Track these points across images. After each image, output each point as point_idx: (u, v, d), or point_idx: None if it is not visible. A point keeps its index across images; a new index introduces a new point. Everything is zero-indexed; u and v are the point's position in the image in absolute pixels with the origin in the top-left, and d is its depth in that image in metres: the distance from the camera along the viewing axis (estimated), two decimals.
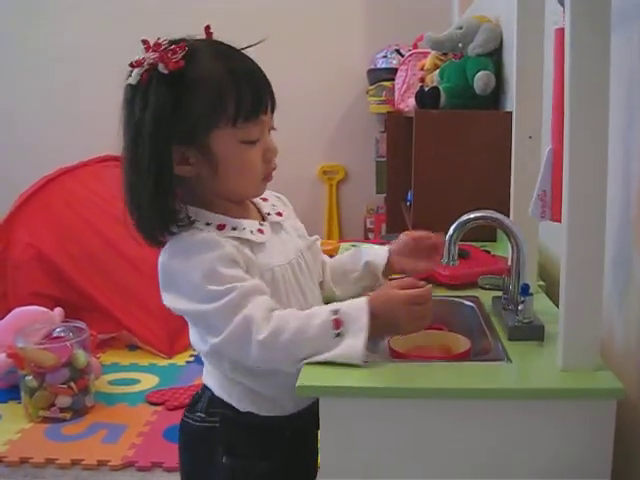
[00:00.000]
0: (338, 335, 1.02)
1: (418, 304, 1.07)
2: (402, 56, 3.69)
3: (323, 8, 4.27)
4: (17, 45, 4.39)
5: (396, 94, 3.42)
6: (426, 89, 2.53)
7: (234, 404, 1.15)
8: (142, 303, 3.30)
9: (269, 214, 1.20)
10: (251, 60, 1.10)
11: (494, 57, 2.48)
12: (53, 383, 2.62)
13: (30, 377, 2.61)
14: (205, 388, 1.20)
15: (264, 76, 1.10)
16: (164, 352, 3.24)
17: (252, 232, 1.12)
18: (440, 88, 2.44)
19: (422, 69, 3.03)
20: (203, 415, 1.18)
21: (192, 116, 1.05)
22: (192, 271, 1.04)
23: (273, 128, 1.14)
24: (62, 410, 2.63)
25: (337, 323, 1.02)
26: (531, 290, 1.18)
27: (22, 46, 4.38)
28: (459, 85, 2.44)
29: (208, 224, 1.09)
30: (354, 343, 1.01)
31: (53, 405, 2.63)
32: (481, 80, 2.36)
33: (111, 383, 2.97)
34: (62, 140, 4.26)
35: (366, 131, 4.36)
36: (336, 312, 1.04)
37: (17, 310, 2.97)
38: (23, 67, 4.41)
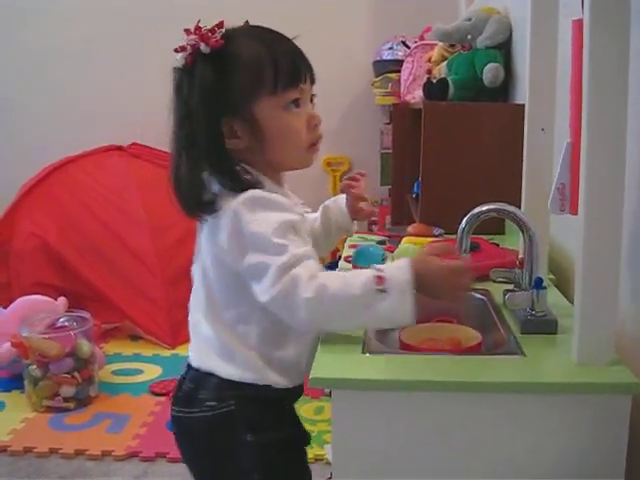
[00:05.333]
0: (381, 291, 1.03)
1: (459, 275, 1.08)
2: (408, 48, 3.67)
3: None
4: (13, 40, 4.36)
5: (402, 86, 3.40)
6: (434, 81, 2.51)
7: (254, 379, 1.15)
8: (145, 293, 3.31)
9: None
10: (286, 37, 1.17)
11: (503, 49, 2.46)
12: (57, 372, 2.62)
13: (34, 366, 2.61)
14: (205, 375, 1.17)
15: (300, 50, 1.16)
16: (167, 343, 3.24)
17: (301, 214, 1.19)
18: (448, 80, 2.42)
19: (429, 61, 3.01)
20: (214, 403, 1.16)
21: (235, 89, 1.11)
22: (265, 222, 1.06)
23: (314, 96, 1.21)
24: (66, 400, 2.63)
25: (380, 279, 1.04)
26: (544, 284, 1.18)
27: (18, 41, 4.35)
28: (468, 77, 2.42)
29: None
30: (402, 300, 1.03)
31: (57, 395, 2.63)
32: (490, 72, 2.34)
33: (115, 373, 2.97)
34: (61, 135, 4.22)
35: (371, 123, 4.33)
36: (379, 270, 1.06)
37: (21, 299, 2.97)
38: (19, 63, 4.38)
